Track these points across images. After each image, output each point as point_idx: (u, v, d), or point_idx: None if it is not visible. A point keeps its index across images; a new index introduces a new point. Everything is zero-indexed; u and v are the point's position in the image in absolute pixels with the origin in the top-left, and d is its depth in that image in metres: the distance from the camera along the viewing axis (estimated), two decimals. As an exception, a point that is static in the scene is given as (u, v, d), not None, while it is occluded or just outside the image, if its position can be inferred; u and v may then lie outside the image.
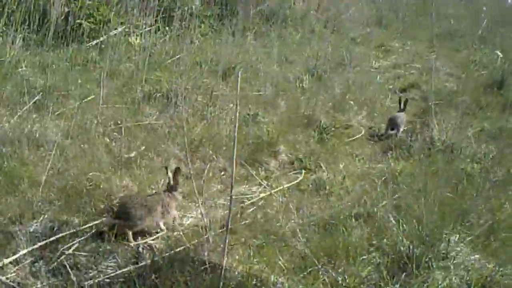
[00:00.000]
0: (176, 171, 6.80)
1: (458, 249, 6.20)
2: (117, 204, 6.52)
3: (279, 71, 12.59)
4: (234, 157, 5.29)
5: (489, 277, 5.73)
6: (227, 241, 5.22)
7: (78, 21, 11.83)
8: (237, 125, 5.30)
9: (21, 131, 7.78)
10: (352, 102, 11.49)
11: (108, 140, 8.07)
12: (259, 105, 10.42)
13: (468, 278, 5.74)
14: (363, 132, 10.33)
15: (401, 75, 14.89)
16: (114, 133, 8.27)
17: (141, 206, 6.33)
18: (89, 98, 9.05)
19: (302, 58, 14.01)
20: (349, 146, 9.63)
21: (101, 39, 11.91)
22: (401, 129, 10.38)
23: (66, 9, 11.91)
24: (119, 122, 8.48)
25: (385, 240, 6.28)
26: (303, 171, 8.40)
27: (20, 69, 9.78)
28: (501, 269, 5.95)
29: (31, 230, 6.06)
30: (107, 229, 6.20)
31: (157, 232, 6.44)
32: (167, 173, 6.81)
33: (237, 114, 5.46)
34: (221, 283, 5.11)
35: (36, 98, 8.74)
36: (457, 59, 15.81)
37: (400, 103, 10.71)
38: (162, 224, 6.52)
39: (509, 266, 6.06)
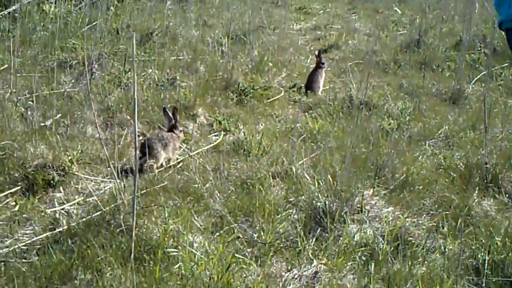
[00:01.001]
0: (174, 111, 7.53)
1: (373, 202, 6.35)
2: (140, 143, 7.09)
3: (198, 35, 12.53)
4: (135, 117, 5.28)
5: (402, 228, 5.88)
6: (135, 202, 5.23)
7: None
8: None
9: None
10: (271, 64, 11.54)
11: (22, 109, 7.94)
12: (178, 69, 10.39)
13: (382, 229, 5.88)
14: (282, 93, 10.39)
15: (321, 36, 15.05)
16: (29, 102, 8.13)
17: (159, 142, 7.12)
18: (2, 68, 8.89)
19: (221, 22, 13.97)
20: (269, 107, 9.68)
21: (13, 7, 11.65)
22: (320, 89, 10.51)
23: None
24: (34, 91, 8.35)
25: (302, 197, 6.37)
26: (222, 133, 8.42)
27: None
28: (413, 220, 6.14)
29: None
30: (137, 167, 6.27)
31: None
32: (165, 114, 7.58)
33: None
34: (133, 243, 5.12)
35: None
36: (377, 20, 15.99)
37: (317, 58, 10.78)
38: (171, 161, 7.32)
39: (422, 217, 6.26)
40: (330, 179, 6.32)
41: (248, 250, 5.57)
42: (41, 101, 8.06)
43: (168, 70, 10.04)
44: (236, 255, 5.28)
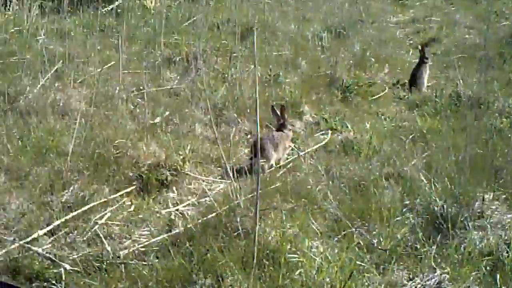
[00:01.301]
0: (282, 110, 7.50)
1: (494, 207, 6.12)
2: (251, 144, 7.11)
3: (297, 29, 12.44)
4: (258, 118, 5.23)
5: (529, 236, 5.64)
6: (258, 206, 5.16)
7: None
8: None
9: (44, 100, 7.74)
10: (373, 59, 11.37)
11: (131, 106, 8.01)
12: (279, 65, 10.32)
13: (506, 237, 5.66)
14: (386, 90, 10.22)
15: (420, 29, 14.72)
16: (137, 99, 8.21)
17: (270, 142, 7.10)
18: (109, 65, 8.99)
19: (319, 16, 13.83)
20: (373, 104, 9.54)
21: (116, 3, 11.81)
22: None
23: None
24: (141, 87, 8.41)
25: (418, 200, 6.20)
26: (330, 131, 8.31)
27: (38, 37, 9.70)
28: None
29: (63, 200, 6.03)
30: (246, 168, 6.55)
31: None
32: (274, 112, 7.53)
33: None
34: (255, 249, 5.07)
35: (57, 66, 8.68)
36: (477, 11, 15.56)
37: (420, 53, 10.55)
38: (281, 160, 7.30)
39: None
40: (448, 182, 6.13)
41: (367, 256, 5.44)
42: (149, 98, 8.09)
43: (270, 66, 9.96)
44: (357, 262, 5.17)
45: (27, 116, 7.30)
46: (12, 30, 9.93)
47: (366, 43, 12.17)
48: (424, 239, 5.59)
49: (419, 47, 10.84)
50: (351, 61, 11.05)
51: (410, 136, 7.93)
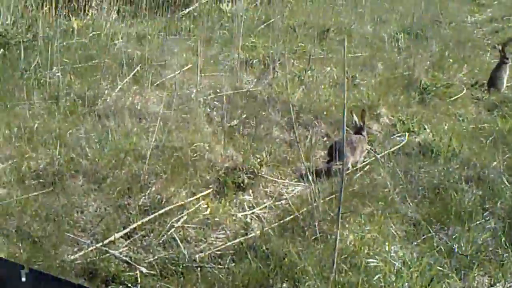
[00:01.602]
0: (362, 114, 7.49)
1: None
2: (329, 147, 7.18)
3: (373, 31, 12.29)
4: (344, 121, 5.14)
5: None
6: (340, 210, 5.08)
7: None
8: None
9: (122, 103, 7.82)
10: (451, 60, 11.13)
11: (209, 109, 8.02)
12: (356, 67, 10.20)
13: None
14: (465, 91, 9.98)
15: (498, 29, 14.39)
16: (214, 102, 8.21)
17: (348, 146, 6.94)
18: (186, 68, 9.02)
19: (395, 17, 13.63)
20: (451, 106, 9.33)
21: (193, 7, 11.88)
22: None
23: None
24: (218, 90, 8.42)
25: (499, 204, 6.05)
26: (407, 133, 8.16)
27: (116, 42, 9.82)
28: None
29: (140, 203, 6.07)
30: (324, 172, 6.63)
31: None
32: (353, 116, 7.46)
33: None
34: (336, 255, 4.98)
35: (135, 69, 8.75)
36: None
37: (501, 53, 10.28)
38: (358, 163, 7.22)
39: None
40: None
41: (448, 261, 5.30)
42: (226, 101, 8.08)
43: (346, 68, 9.84)
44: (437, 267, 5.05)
45: (105, 119, 7.36)
46: (91, 35, 10.06)
47: (443, 43, 11.93)
48: (506, 244, 5.45)
49: (499, 47, 10.55)
50: (428, 62, 10.85)
51: (490, 138, 7.72)
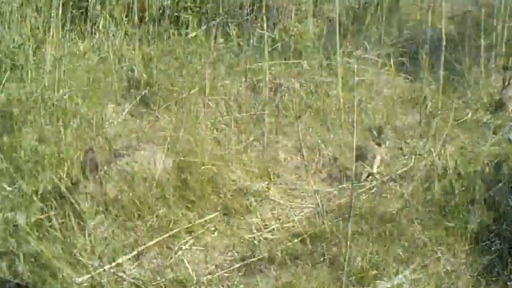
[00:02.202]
0: (380, 130, 7.83)
1: None
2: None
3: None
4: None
5: None
6: (349, 230, 5.09)
7: (176, 13, 11.88)
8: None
9: (130, 126, 7.85)
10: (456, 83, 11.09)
11: (216, 132, 8.04)
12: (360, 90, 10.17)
13: None
14: (470, 114, 9.90)
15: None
16: (222, 125, 8.23)
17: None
18: (193, 91, 9.03)
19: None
20: (457, 129, 9.25)
21: (199, 31, 11.92)
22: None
23: (165, 2, 11.96)
24: (225, 113, 8.46)
25: (504, 225, 6.09)
26: (413, 156, 8.10)
27: (123, 64, 9.85)
28: None
29: (148, 225, 6.08)
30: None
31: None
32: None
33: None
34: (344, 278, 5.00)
35: (143, 92, 8.79)
36: None
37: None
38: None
39: None
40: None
41: (454, 282, 5.34)
42: (233, 124, 8.10)
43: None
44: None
45: (113, 142, 7.38)
46: (97, 58, 10.10)
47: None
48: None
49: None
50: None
51: (496, 160, 7.68)
